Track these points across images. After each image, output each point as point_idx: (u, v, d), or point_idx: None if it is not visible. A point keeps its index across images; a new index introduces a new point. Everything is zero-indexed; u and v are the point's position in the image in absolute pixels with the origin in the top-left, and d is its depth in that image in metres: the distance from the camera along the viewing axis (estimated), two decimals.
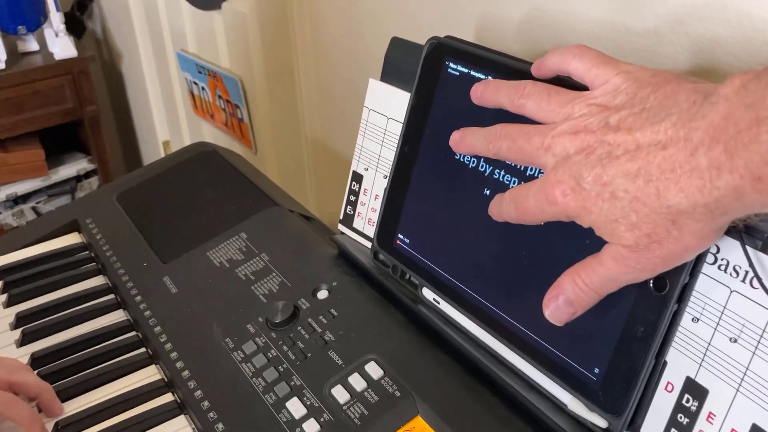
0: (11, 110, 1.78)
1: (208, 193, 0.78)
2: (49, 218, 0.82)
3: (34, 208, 1.93)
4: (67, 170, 1.97)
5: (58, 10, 1.78)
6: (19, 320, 0.65)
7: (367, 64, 0.90)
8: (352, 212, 0.64)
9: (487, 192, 0.49)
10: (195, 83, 1.49)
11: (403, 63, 0.58)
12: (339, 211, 0.65)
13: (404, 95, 0.58)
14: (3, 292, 0.70)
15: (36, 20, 1.80)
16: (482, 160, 0.49)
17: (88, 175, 2.00)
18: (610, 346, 0.41)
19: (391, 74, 0.60)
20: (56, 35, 1.80)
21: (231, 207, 0.74)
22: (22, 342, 0.63)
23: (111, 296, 0.68)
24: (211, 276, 0.65)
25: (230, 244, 0.68)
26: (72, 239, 0.78)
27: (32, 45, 1.85)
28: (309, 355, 0.53)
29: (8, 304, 0.68)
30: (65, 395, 0.57)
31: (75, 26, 2.05)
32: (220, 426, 0.50)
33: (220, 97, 1.40)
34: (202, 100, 1.50)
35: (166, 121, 1.81)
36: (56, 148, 1.98)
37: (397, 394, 0.48)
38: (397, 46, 0.59)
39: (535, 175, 0.45)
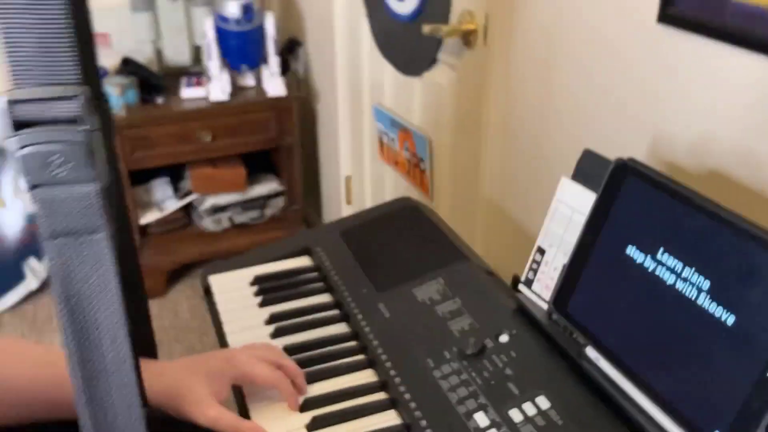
0: (226, 134, 2.12)
1: (413, 241, 0.98)
2: (287, 243, 1.05)
3: (230, 218, 2.25)
4: (260, 189, 2.29)
5: (275, 54, 2.10)
6: (272, 318, 0.88)
7: (549, 154, 1.07)
8: (532, 277, 0.82)
9: (648, 284, 0.64)
10: (385, 133, 1.73)
11: (591, 170, 0.75)
12: (504, 266, 0.83)
13: (590, 195, 0.75)
14: (258, 295, 0.93)
15: (256, 61, 2.13)
16: (648, 257, 0.65)
17: (276, 195, 2.31)
18: (735, 408, 0.55)
19: (580, 177, 0.77)
20: (271, 75, 2.13)
21: (431, 255, 0.93)
22: (274, 335, 0.85)
23: (336, 311, 0.89)
24: (416, 309, 0.84)
25: (431, 285, 0.87)
26: (304, 261, 1.01)
27: (249, 81, 2.19)
28: (492, 382, 0.71)
29: (262, 304, 0.91)
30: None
31: (281, 64, 2.37)
32: (424, 422, 0.69)
33: (407, 149, 1.62)
34: (389, 149, 1.73)
35: (351, 159, 2.07)
36: (252, 168, 2.31)
37: (560, 422, 0.65)
38: (589, 156, 0.77)
39: (698, 283, 0.60)
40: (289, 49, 2.34)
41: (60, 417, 0.77)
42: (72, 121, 0.25)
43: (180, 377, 0.71)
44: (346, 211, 2.17)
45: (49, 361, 0.76)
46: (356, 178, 2.07)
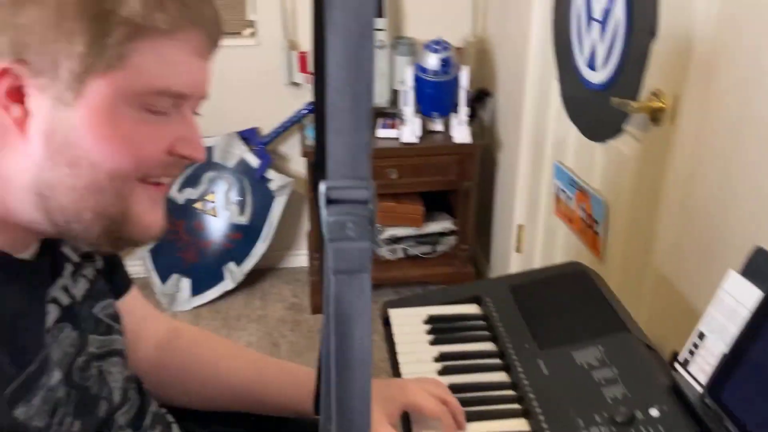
0: (412, 173, 2.28)
1: (578, 305, 1.05)
2: (459, 289, 1.17)
3: (404, 249, 2.42)
4: (434, 226, 2.43)
5: (465, 105, 2.24)
6: (441, 357, 0.99)
7: (723, 240, 1.09)
8: (689, 359, 0.86)
9: None
10: (563, 191, 1.79)
11: (760, 268, 0.79)
12: (665, 340, 0.87)
13: (755, 291, 0.78)
14: (430, 333, 1.05)
15: (447, 109, 2.28)
16: None
17: (448, 233, 2.44)
18: None
19: (749, 272, 0.81)
20: (459, 123, 2.27)
21: (595, 322, 1.00)
22: (441, 372, 0.96)
23: (499, 360, 0.98)
24: (573, 370, 0.91)
25: (590, 351, 0.94)
26: (473, 309, 1.11)
27: (438, 126, 2.34)
28: None
29: (433, 342, 1.03)
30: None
31: (469, 112, 2.51)
32: None
33: (582, 209, 1.67)
34: (565, 206, 1.79)
35: (525, 209, 2.15)
36: (429, 206, 2.46)
37: None
38: (760, 254, 0.80)
39: None
40: (479, 98, 2.47)
41: (253, 411, 0.94)
42: (363, 202, 0.38)
43: None
44: (515, 258, 2.25)
45: (260, 366, 0.93)
46: (528, 228, 2.14)
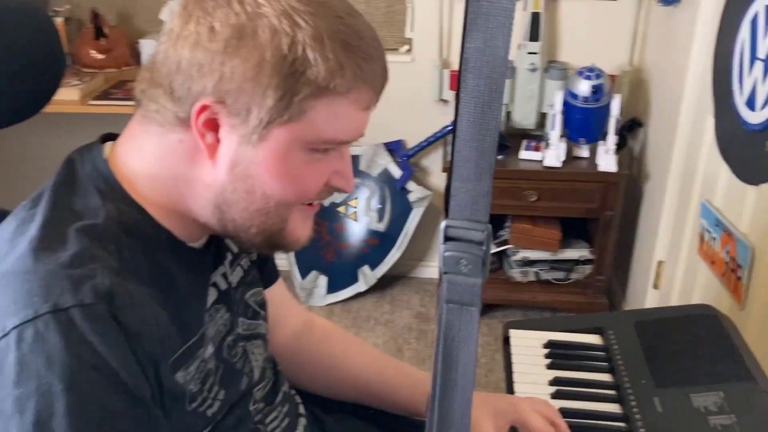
0: (551, 197, 2.28)
1: (703, 348, 1.03)
2: (583, 318, 1.18)
3: (536, 273, 2.42)
4: (571, 253, 2.41)
5: (614, 133, 2.21)
6: (556, 381, 1.01)
7: None
8: None
9: None
10: (708, 231, 1.73)
11: None
12: None
13: None
14: (548, 357, 1.08)
15: (595, 137, 2.26)
16: None
17: (584, 261, 2.41)
18: None
19: None
20: (605, 151, 2.24)
21: (718, 367, 0.98)
22: (554, 396, 0.99)
23: (614, 392, 0.99)
24: (689, 413, 0.91)
25: (709, 396, 0.93)
26: (594, 339, 1.12)
27: (584, 152, 2.32)
28: None
29: (550, 367, 1.05)
30: None
31: (618, 140, 2.46)
32: None
33: (727, 252, 1.61)
34: (709, 247, 1.73)
35: (667, 245, 2.08)
36: (566, 232, 2.43)
37: None
38: None
39: None
40: (629, 127, 2.42)
41: (371, 405, 1.02)
42: (478, 243, 0.43)
43: (474, 408, 0.89)
44: (651, 294, 2.18)
45: (381, 365, 1.00)
46: (668, 264, 2.07)
